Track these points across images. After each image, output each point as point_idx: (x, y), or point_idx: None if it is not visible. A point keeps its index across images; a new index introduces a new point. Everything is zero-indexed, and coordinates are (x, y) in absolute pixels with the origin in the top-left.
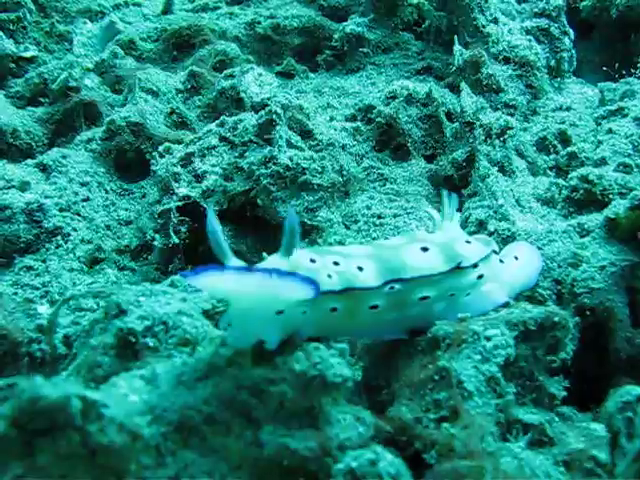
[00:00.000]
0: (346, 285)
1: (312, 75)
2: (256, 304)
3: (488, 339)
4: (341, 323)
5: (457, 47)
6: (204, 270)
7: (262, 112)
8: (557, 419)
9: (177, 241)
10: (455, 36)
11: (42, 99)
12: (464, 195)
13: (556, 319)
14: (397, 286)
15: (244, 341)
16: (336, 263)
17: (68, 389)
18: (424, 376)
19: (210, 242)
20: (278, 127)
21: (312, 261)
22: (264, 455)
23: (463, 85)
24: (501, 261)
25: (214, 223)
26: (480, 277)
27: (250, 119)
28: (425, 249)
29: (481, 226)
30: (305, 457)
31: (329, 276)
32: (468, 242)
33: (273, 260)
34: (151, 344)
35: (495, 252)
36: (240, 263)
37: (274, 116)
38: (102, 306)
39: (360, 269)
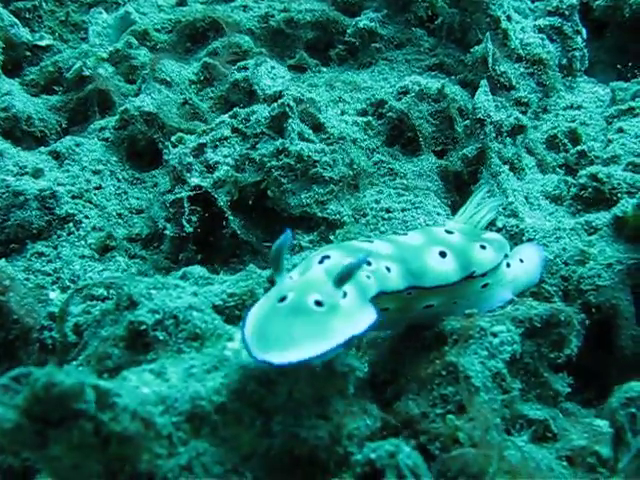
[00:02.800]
0: (380, 289)
1: (324, 69)
2: None
3: (494, 335)
4: None
5: (489, 46)
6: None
7: (275, 104)
8: (561, 415)
9: (190, 230)
10: (488, 33)
11: (56, 87)
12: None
13: (561, 316)
14: (414, 292)
15: None
16: (368, 263)
17: (81, 377)
18: (431, 371)
19: (272, 254)
20: (290, 120)
21: None
22: (275, 445)
23: (483, 82)
24: (508, 265)
25: (287, 241)
26: (484, 286)
27: (262, 111)
28: (443, 254)
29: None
30: (315, 446)
31: (368, 277)
32: (483, 247)
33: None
34: (161, 337)
35: (506, 255)
36: (290, 282)
37: (286, 109)
38: (113, 296)
39: (388, 269)
